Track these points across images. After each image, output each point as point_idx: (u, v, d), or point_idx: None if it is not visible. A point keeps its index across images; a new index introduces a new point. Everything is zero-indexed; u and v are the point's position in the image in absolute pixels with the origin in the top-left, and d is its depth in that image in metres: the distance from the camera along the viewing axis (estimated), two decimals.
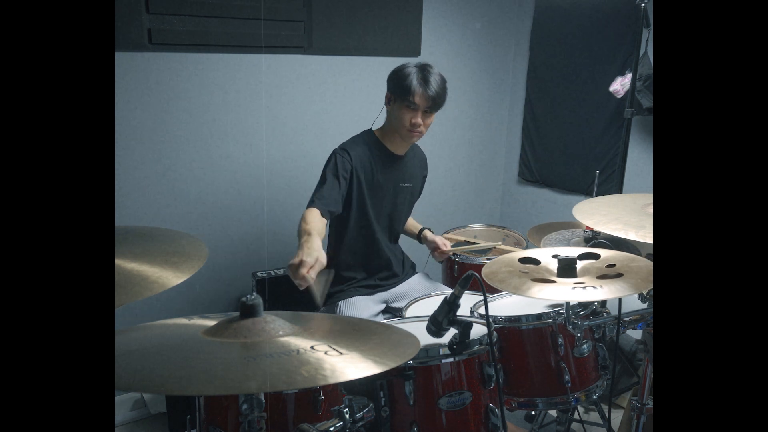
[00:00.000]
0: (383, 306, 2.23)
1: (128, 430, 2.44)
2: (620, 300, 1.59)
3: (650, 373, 1.70)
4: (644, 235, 1.39)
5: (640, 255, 1.73)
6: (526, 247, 2.54)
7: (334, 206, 1.94)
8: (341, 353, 0.96)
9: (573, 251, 1.67)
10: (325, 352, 0.95)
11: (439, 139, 3.29)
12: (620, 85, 2.81)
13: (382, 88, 2.09)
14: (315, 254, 1.57)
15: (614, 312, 1.65)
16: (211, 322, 1.09)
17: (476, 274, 1.34)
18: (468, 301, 1.58)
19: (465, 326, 1.38)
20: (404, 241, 2.41)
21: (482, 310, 1.48)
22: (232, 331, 1.02)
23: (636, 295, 1.70)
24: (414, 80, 1.98)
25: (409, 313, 1.91)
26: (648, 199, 1.67)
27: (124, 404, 2.51)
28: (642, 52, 2.55)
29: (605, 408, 1.97)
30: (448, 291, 1.68)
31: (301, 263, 1.53)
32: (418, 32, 3.03)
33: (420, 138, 2.09)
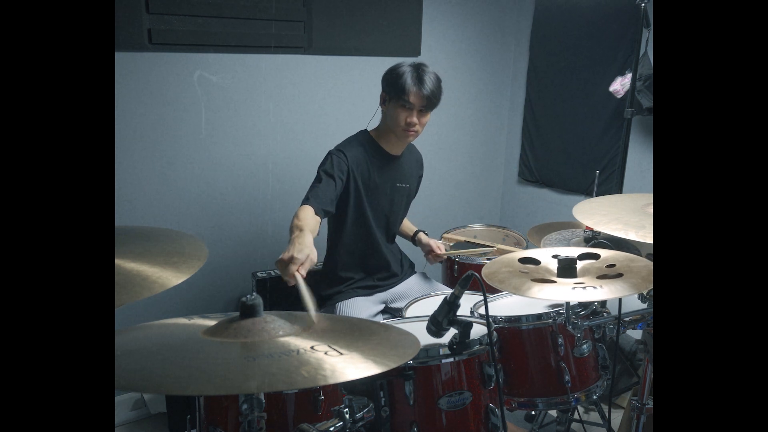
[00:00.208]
0: (382, 306, 2.23)
1: (128, 430, 2.44)
2: (620, 300, 1.59)
3: (650, 373, 1.70)
4: (644, 235, 1.39)
5: (640, 255, 1.73)
6: (526, 247, 2.54)
7: (329, 206, 1.92)
8: (341, 353, 0.96)
9: (573, 251, 1.67)
10: (325, 353, 0.95)
11: (439, 139, 3.29)
12: (620, 85, 2.81)
13: None
14: (306, 251, 1.51)
15: (614, 312, 1.65)
16: (211, 322, 1.08)
17: (476, 274, 1.34)
18: (468, 301, 1.58)
19: (465, 326, 1.38)
20: (402, 241, 2.42)
21: (482, 310, 1.48)
22: (232, 331, 1.02)
23: (636, 295, 1.70)
24: (409, 79, 1.97)
25: (408, 313, 1.91)
26: (648, 199, 1.67)
27: (124, 404, 2.51)
28: (642, 52, 2.55)
29: (605, 408, 1.97)
30: (448, 291, 1.68)
31: (291, 259, 1.48)
32: (418, 32, 3.03)
33: (416, 138, 2.09)
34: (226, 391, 0.85)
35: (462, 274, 1.64)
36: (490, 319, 1.41)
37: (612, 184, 2.38)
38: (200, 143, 2.55)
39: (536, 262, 1.62)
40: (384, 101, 2.07)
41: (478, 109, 3.45)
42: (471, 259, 2.40)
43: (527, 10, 3.35)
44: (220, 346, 0.99)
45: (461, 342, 1.39)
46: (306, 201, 1.87)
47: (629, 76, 2.70)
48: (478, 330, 1.46)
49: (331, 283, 2.18)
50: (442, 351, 1.40)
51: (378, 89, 2.10)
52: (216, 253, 2.65)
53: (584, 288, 1.42)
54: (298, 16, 2.62)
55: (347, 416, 1.27)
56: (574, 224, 2.38)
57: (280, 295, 2.51)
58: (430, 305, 1.81)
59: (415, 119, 2.01)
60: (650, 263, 1.53)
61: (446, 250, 2.49)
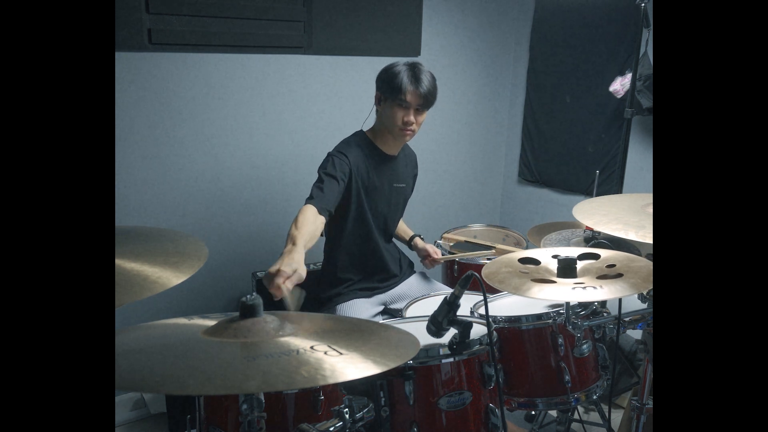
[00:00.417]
0: (381, 308, 2.23)
1: (128, 430, 2.44)
2: (620, 300, 1.59)
3: (650, 373, 1.70)
4: (644, 235, 1.39)
5: (640, 255, 1.73)
6: (526, 247, 2.54)
7: (332, 206, 1.91)
8: (341, 353, 0.96)
9: (573, 251, 1.67)
10: (325, 352, 0.95)
11: (439, 139, 3.29)
12: (620, 85, 2.81)
13: None
14: (294, 266, 1.50)
15: (614, 312, 1.65)
16: (211, 322, 1.09)
17: (476, 274, 1.33)
18: (468, 301, 1.58)
19: (465, 326, 1.38)
20: (399, 243, 2.41)
21: (482, 310, 1.48)
22: (232, 331, 1.02)
23: (636, 295, 1.70)
24: (405, 78, 1.97)
25: (408, 313, 1.91)
26: (648, 199, 1.67)
27: (124, 404, 2.51)
28: (642, 52, 2.55)
29: (605, 408, 1.97)
30: (448, 291, 1.68)
31: (278, 272, 1.47)
32: (418, 32, 3.03)
33: (413, 137, 2.08)
34: (226, 391, 0.85)
35: (462, 274, 1.64)
36: (490, 319, 1.41)
37: (612, 184, 2.38)
38: (200, 143, 2.55)
39: (536, 262, 1.62)
40: (379, 101, 2.06)
41: (478, 109, 3.45)
42: (471, 259, 2.40)
43: (527, 10, 3.35)
44: (220, 346, 0.99)
45: (461, 342, 1.39)
46: (309, 200, 1.87)
47: (629, 76, 2.70)
48: (478, 330, 1.46)
49: (330, 285, 2.18)
50: (442, 351, 1.40)
51: None
52: (216, 253, 2.65)
53: (584, 288, 1.42)
54: (298, 16, 2.63)
55: (347, 416, 1.26)
56: (574, 224, 2.38)
57: None
58: (429, 305, 1.81)
59: (412, 118, 2.00)
60: (650, 263, 1.53)
61: (446, 250, 2.50)
